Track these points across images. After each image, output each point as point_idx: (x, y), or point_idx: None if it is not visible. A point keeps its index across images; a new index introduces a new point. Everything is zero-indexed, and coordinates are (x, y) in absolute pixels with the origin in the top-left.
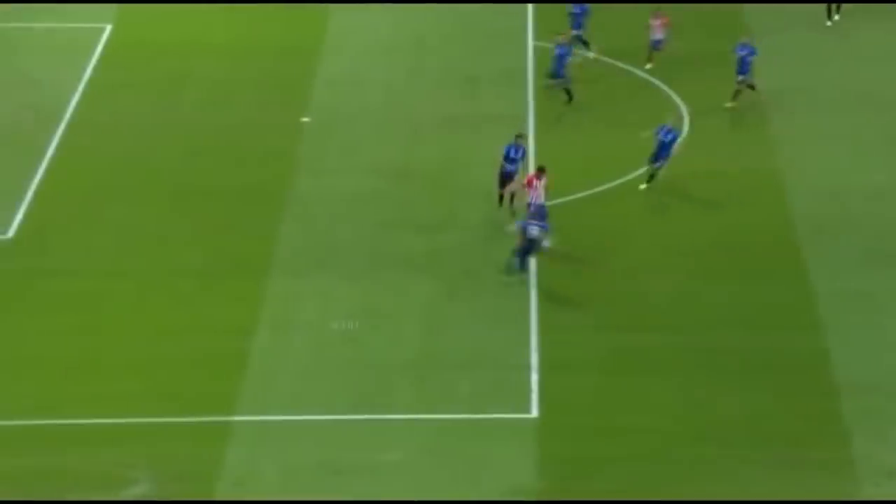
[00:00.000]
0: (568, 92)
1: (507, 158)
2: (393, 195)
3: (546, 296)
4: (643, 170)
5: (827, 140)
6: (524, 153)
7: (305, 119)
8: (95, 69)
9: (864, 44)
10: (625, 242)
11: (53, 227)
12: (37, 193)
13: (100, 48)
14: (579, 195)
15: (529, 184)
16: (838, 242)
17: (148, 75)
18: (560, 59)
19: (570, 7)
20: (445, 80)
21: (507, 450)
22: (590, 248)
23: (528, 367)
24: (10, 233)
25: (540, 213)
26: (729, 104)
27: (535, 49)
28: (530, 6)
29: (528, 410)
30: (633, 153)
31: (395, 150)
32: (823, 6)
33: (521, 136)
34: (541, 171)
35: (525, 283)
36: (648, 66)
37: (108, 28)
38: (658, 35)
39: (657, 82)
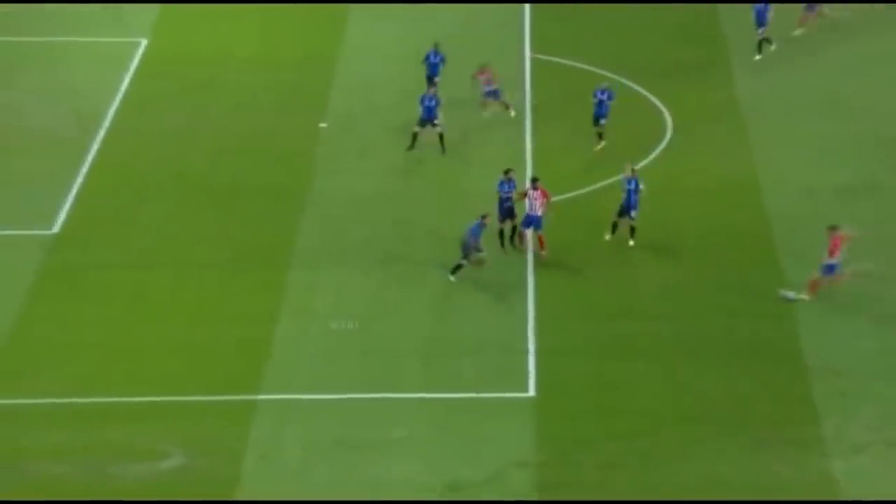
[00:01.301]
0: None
1: (502, 193)
2: (404, 195)
3: (543, 287)
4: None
5: (798, 143)
6: (515, 185)
7: (323, 124)
8: (133, 79)
9: (830, 56)
10: (615, 238)
11: (95, 224)
12: (80, 193)
13: (137, 60)
14: (574, 193)
15: (525, 196)
16: (810, 236)
17: (180, 84)
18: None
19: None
20: (455, 85)
21: (507, 426)
22: (583, 243)
23: (526, 352)
24: (56, 229)
25: (528, 220)
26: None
27: (533, 60)
28: (527, 15)
29: (526, 390)
30: (619, 157)
31: (407, 153)
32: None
33: (510, 171)
34: (534, 182)
35: (524, 276)
36: (486, 114)
37: (145, 42)
38: (490, 87)
39: (641, 90)
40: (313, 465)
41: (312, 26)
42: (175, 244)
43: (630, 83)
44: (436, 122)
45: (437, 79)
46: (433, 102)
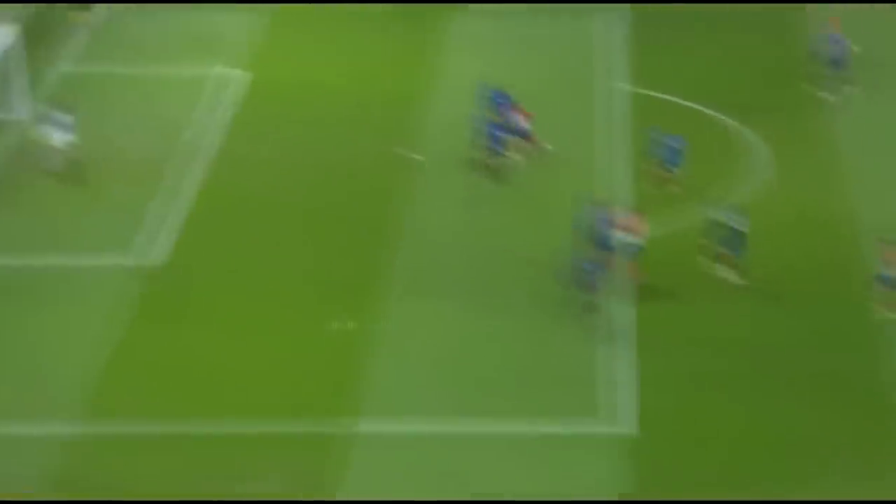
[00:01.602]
0: None
1: (592, 222)
2: (497, 225)
3: (643, 318)
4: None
5: None
6: (608, 214)
7: (419, 157)
8: (230, 111)
9: None
10: (715, 270)
11: (195, 254)
12: (186, 223)
13: (234, 92)
14: (668, 229)
15: (620, 224)
16: None
17: (278, 116)
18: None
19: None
20: (548, 120)
21: (604, 460)
22: (684, 275)
23: (625, 384)
24: (158, 259)
25: (626, 249)
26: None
27: (628, 94)
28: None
29: (623, 424)
30: (717, 191)
31: (511, 184)
32: None
33: (601, 200)
34: (628, 210)
35: (624, 306)
36: (517, 157)
37: (242, 74)
38: (523, 124)
39: (736, 123)
40: (408, 495)
41: (409, 60)
42: (274, 274)
43: (724, 116)
44: (503, 152)
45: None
46: (500, 132)
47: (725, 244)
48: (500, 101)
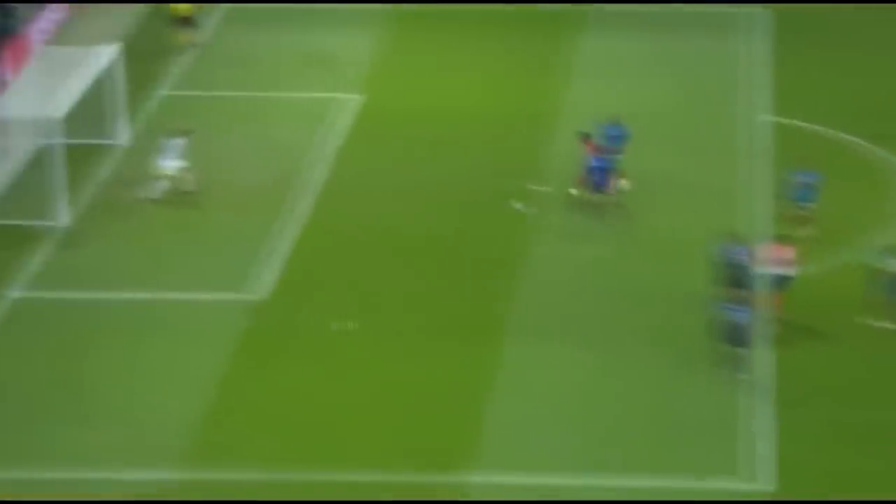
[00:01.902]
0: None
1: (730, 258)
2: (629, 263)
3: (784, 364)
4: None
5: None
6: (746, 249)
7: (544, 188)
8: (345, 137)
9: None
10: (868, 317)
11: (302, 288)
12: (293, 255)
13: (350, 116)
14: (809, 271)
15: (764, 258)
16: None
17: (393, 143)
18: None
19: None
20: (677, 148)
21: None
22: (829, 320)
23: (762, 436)
24: (262, 293)
25: (777, 281)
26: None
27: (770, 125)
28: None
29: (761, 481)
30: (872, 231)
31: (633, 219)
32: None
33: (736, 234)
34: (777, 239)
35: (764, 350)
36: (574, 191)
37: (358, 97)
38: (593, 161)
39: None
40: None
41: (531, 83)
42: (385, 310)
43: (872, 146)
44: (606, 188)
45: (618, 153)
46: (606, 164)
47: (879, 289)
48: (612, 134)
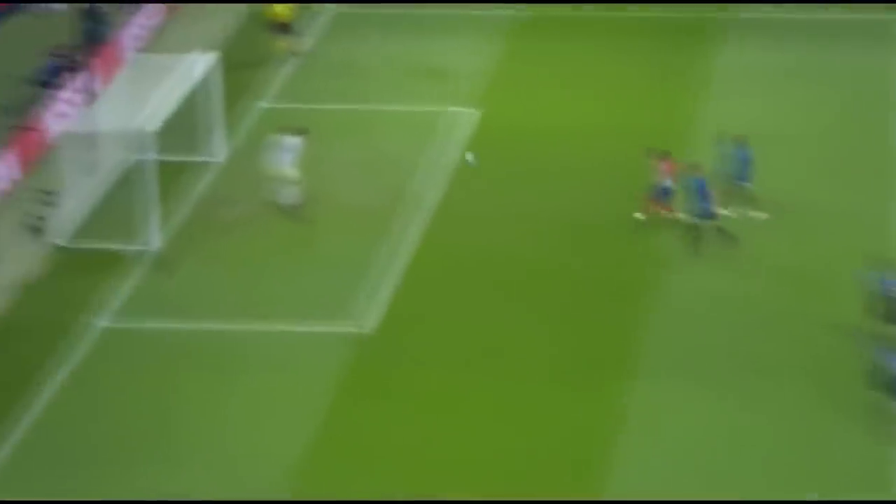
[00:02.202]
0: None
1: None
2: (766, 296)
3: None
4: None
5: None
6: None
7: (681, 215)
8: (459, 155)
9: None
10: None
11: (410, 318)
12: (400, 283)
13: (464, 133)
14: None
15: None
16: None
17: (510, 161)
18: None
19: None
20: (823, 171)
21: None
22: None
23: None
24: (368, 324)
25: None
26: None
27: None
28: None
29: None
30: None
31: (771, 247)
32: None
33: (890, 265)
34: None
35: None
36: (639, 215)
37: (474, 112)
38: (668, 182)
39: None
40: None
41: (664, 100)
42: (498, 343)
43: None
44: (713, 215)
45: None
46: (704, 186)
47: None
48: (738, 156)
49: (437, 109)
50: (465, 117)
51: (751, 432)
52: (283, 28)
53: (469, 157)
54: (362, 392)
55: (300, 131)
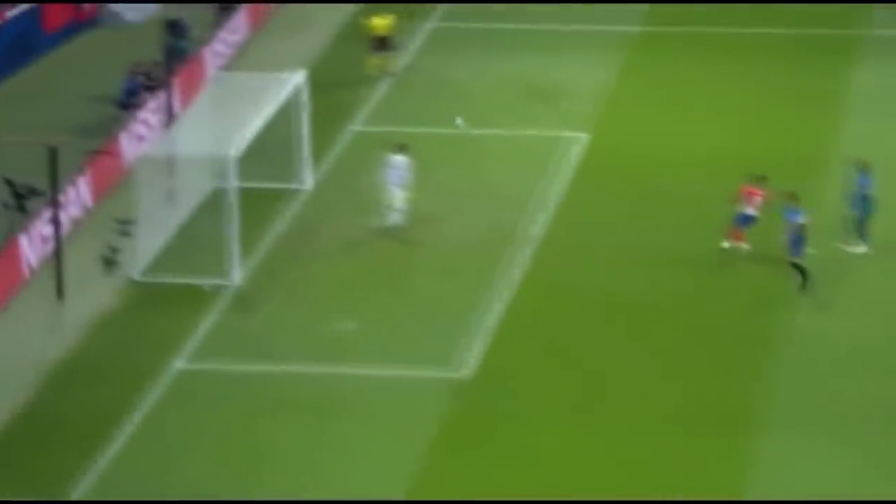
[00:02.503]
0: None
1: None
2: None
3: None
4: None
5: None
6: None
7: (812, 251)
8: (568, 184)
9: None
10: None
11: (513, 363)
12: (501, 323)
13: (573, 160)
14: None
15: None
16: None
17: (624, 192)
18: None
19: None
20: None
21: None
22: None
23: None
24: (468, 369)
25: None
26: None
27: None
28: None
29: None
30: None
31: (881, 286)
32: None
33: None
34: None
35: None
36: (727, 243)
37: (583, 137)
38: (752, 211)
39: None
40: None
41: (793, 125)
42: (607, 389)
43: None
44: (796, 250)
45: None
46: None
47: None
48: (861, 181)
49: (542, 133)
50: (572, 142)
51: (884, 490)
52: (382, 44)
53: (459, 121)
54: (460, 442)
55: (400, 148)
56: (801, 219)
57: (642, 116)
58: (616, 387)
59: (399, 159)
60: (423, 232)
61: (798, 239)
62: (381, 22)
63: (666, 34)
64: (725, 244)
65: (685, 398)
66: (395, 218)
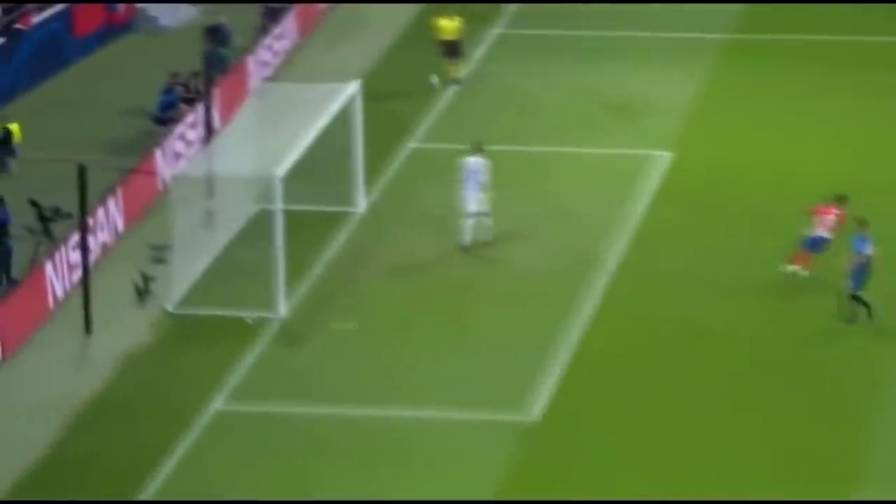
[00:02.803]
0: None
1: None
2: None
3: None
4: None
5: None
6: None
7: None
8: (648, 206)
9: None
10: None
11: (585, 403)
12: (572, 358)
13: (655, 180)
14: None
15: None
16: None
17: (707, 215)
18: None
19: None
20: None
21: None
22: None
23: None
24: (541, 411)
25: None
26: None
27: None
28: None
29: None
30: None
31: None
32: None
33: None
34: None
35: None
36: (790, 268)
37: (665, 156)
38: (821, 231)
39: None
40: None
41: (891, 145)
42: (687, 434)
43: None
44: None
45: None
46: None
47: None
48: None
49: (621, 152)
50: (654, 161)
51: None
52: (451, 50)
53: (433, 79)
54: (526, 491)
55: (476, 148)
56: (869, 249)
57: (732, 134)
58: (693, 429)
59: (475, 161)
60: (489, 257)
61: (861, 269)
62: (448, 24)
63: (761, 42)
64: (789, 268)
65: (775, 447)
66: (479, 229)
